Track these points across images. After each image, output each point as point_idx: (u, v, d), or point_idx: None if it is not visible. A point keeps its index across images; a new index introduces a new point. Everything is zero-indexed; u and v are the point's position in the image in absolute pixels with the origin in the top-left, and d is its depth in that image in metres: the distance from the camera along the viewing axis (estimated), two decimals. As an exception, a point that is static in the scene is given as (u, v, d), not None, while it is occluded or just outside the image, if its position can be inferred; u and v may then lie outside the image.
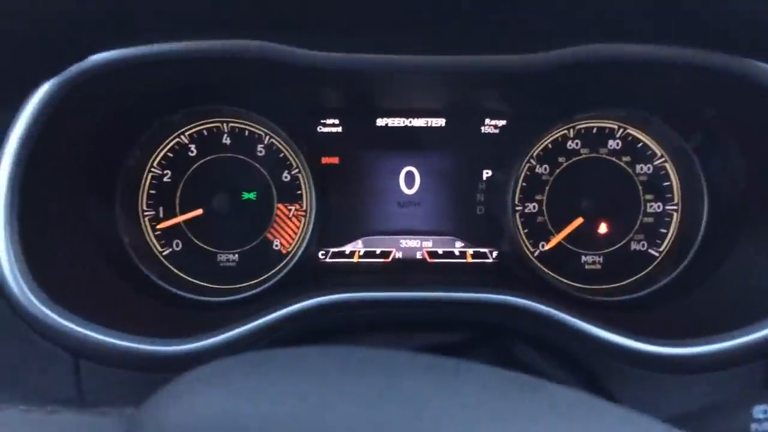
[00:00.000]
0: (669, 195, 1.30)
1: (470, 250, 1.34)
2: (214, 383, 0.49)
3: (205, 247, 1.31)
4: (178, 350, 1.00)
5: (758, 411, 0.77)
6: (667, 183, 1.30)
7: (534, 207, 1.31)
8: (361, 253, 1.33)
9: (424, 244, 1.34)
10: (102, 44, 0.98)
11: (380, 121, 1.31)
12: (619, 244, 1.31)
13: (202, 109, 1.26)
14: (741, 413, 0.78)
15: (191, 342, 1.02)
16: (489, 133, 1.31)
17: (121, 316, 1.06)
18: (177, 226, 1.29)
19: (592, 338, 1.04)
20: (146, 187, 1.28)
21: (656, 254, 1.31)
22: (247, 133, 1.29)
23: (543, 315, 1.06)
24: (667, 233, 1.31)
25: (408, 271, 1.33)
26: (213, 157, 1.29)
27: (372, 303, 1.10)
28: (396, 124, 1.31)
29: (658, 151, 1.30)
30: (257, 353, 0.53)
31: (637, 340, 1.02)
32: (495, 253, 1.33)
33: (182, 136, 1.28)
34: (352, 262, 1.33)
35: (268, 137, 1.29)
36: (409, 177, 1.33)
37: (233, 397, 0.47)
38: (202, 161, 1.29)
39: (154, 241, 1.29)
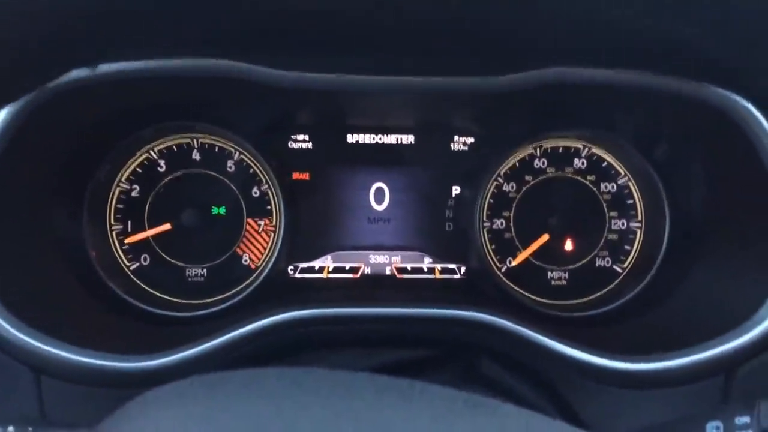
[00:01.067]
0: (633, 212, 1.33)
1: (439, 266, 1.35)
2: (169, 406, 0.49)
3: (174, 261, 1.30)
4: (144, 366, 1.00)
5: (711, 427, 0.79)
6: (631, 201, 1.33)
7: (501, 223, 1.33)
8: (331, 269, 1.34)
9: (393, 259, 1.35)
10: (76, 62, 0.97)
11: (350, 138, 1.32)
12: (585, 261, 1.34)
13: (172, 125, 1.26)
14: (695, 429, 0.80)
15: (157, 358, 1.01)
16: (458, 150, 1.33)
17: (86, 331, 1.06)
18: (145, 240, 1.29)
19: (556, 354, 1.06)
20: (114, 202, 1.28)
21: (620, 270, 1.34)
22: (217, 149, 1.29)
23: (509, 331, 1.08)
24: (630, 250, 1.33)
25: (377, 286, 1.34)
26: (182, 172, 1.29)
27: (341, 319, 1.10)
28: (366, 141, 1.32)
29: (622, 170, 1.33)
30: (213, 374, 0.53)
31: (598, 355, 1.04)
32: (463, 269, 1.35)
33: (152, 152, 1.28)
34: (322, 277, 1.34)
35: (237, 153, 1.30)
36: (379, 193, 1.34)
37: (188, 421, 0.47)
38: (171, 176, 1.29)
39: (122, 255, 1.29)
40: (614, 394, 1.07)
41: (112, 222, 1.28)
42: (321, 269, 1.34)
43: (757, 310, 0.97)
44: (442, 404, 0.55)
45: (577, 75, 1.03)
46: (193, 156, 1.29)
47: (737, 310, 1.01)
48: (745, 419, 0.76)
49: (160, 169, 1.29)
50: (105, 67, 0.97)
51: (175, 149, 1.29)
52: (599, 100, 1.15)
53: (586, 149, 1.32)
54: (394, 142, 1.33)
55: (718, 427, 0.79)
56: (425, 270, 1.35)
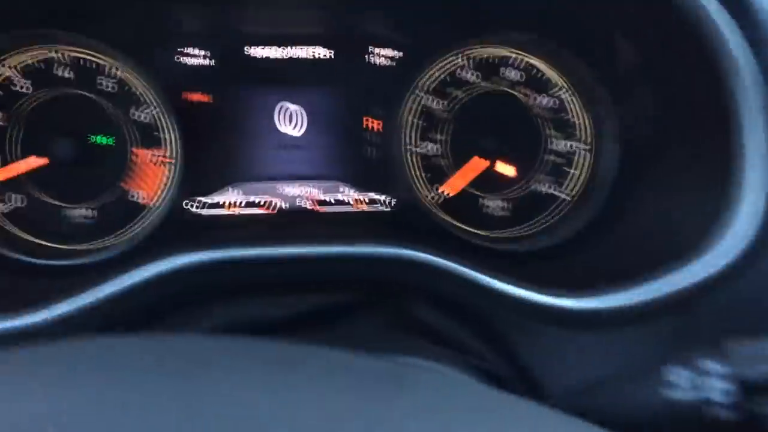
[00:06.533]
0: (573, 131, 1.19)
1: (363, 197, 1.19)
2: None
3: (51, 201, 1.11)
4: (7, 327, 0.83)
5: (671, 373, 0.67)
6: (571, 118, 1.19)
7: (431, 147, 1.17)
8: (237, 203, 1.16)
9: (311, 191, 1.18)
10: None
11: (251, 50, 1.13)
12: (523, 187, 1.20)
13: (30, 33, 1.04)
14: (652, 376, 0.68)
15: (25, 316, 0.84)
16: (376, 63, 1.16)
17: None
18: (15, 178, 1.08)
19: (493, 291, 0.93)
20: (-31, 132, 1.07)
21: (563, 196, 1.20)
22: (90, 64, 1.09)
23: (441, 268, 0.94)
24: (572, 173, 1.20)
25: (294, 222, 1.17)
26: (52, 94, 1.08)
27: (250, 261, 0.94)
28: (272, 55, 1.13)
29: (563, 84, 1.18)
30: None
31: (539, 292, 0.91)
32: (389, 200, 1.19)
33: (8, 68, 1.06)
34: (228, 213, 1.16)
35: (117, 69, 1.09)
36: (289, 115, 1.16)
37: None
38: (36, 99, 1.08)
39: (-13, 196, 1.09)
40: (560, 336, 0.96)
41: (-30, 157, 1.07)
42: (227, 204, 1.16)
43: (720, 236, 0.84)
44: (328, 372, 0.40)
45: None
46: (64, 73, 1.08)
47: (696, 238, 0.89)
48: (715, 365, 0.64)
49: (23, 90, 1.07)
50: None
51: (40, 66, 1.07)
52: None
53: (521, 58, 1.17)
54: (302, 56, 1.14)
55: (679, 374, 0.67)
56: (347, 202, 1.19)
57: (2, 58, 1.06)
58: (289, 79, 1.14)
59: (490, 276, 0.93)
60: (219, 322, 0.98)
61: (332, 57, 1.15)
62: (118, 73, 1.09)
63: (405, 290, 1.03)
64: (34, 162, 1.08)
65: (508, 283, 0.92)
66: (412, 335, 1.02)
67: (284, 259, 0.96)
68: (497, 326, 1.01)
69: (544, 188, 1.20)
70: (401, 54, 1.15)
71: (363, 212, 1.19)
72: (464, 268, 0.94)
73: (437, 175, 1.18)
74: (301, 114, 1.16)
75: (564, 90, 1.18)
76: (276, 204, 1.17)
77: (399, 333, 1.02)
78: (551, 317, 0.92)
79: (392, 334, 1.02)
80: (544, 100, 1.18)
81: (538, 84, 1.18)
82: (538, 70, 1.18)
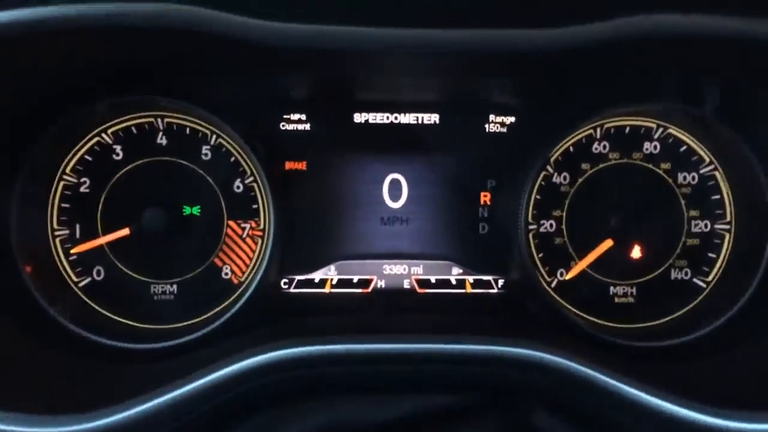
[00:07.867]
0: (719, 211, 1.05)
1: (470, 278, 1.07)
2: None
3: (136, 275, 1.03)
4: (87, 429, 0.75)
5: None
6: (717, 196, 1.05)
7: (551, 225, 1.05)
8: (335, 282, 1.06)
9: (413, 270, 1.07)
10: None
11: (358, 117, 1.05)
12: (657, 273, 1.06)
13: (130, 99, 0.99)
14: None
15: (99, 417, 0.76)
16: (495, 132, 1.05)
17: (11, 379, 0.80)
18: (98, 249, 1.01)
19: (633, 404, 0.81)
20: (57, 199, 1.01)
21: (703, 285, 1.06)
22: (188, 131, 1.03)
23: (573, 374, 0.82)
24: (716, 259, 1.05)
25: (392, 304, 1.06)
26: (145, 161, 1.02)
27: (345, 358, 0.84)
28: (378, 121, 1.05)
29: (706, 156, 1.05)
30: None
31: (686, 407, 0.79)
32: (501, 282, 1.07)
33: (105, 134, 1.01)
34: (323, 293, 1.06)
35: (215, 136, 1.02)
36: (395, 187, 1.06)
37: None
38: (130, 167, 1.02)
39: (68, 268, 1.01)
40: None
41: (55, 226, 1.01)
42: (322, 282, 1.06)
43: None
44: None
45: (676, 24, 0.76)
46: (158, 140, 1.02)
47: None
48: None
49: (115, 157, 1.01)
50: (40, 11, 0.73)
51: (135, 132, 1.02)
52: (690, 62, 0.88)
53: (661, 129, 1.05)
54: (413, 122, 1.05)
55: None
56: (453, 283, 1.07)
57: (101, 126, 1.00)
58: (401, 148, 1.05)
59: (625, 382, 0.81)
60: (312, 424, 0.88)
61: (447, 124, 1.05)
62: (219, 140, 1.02)
63: (520, 393, 0.90)
64: (118, 232, 1.01)
65: (649, 393, 0.81)
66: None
67: (382, 357, 0.87)
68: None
69: (680, 275, 1.06)
70: (524, 124, 1.04)
71: (468, 294, 1.07)
72: (602, 376, 0.82)
73: (553, 253, 1.06)
74: (403, 184, 1.06)
75: (709, 164, 1.04)
76: (372, 283, 1.07)
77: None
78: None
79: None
80: (689, 176, 1.04)
81: (679, 157, 1.05)
82: (679, 141, 1.05)
